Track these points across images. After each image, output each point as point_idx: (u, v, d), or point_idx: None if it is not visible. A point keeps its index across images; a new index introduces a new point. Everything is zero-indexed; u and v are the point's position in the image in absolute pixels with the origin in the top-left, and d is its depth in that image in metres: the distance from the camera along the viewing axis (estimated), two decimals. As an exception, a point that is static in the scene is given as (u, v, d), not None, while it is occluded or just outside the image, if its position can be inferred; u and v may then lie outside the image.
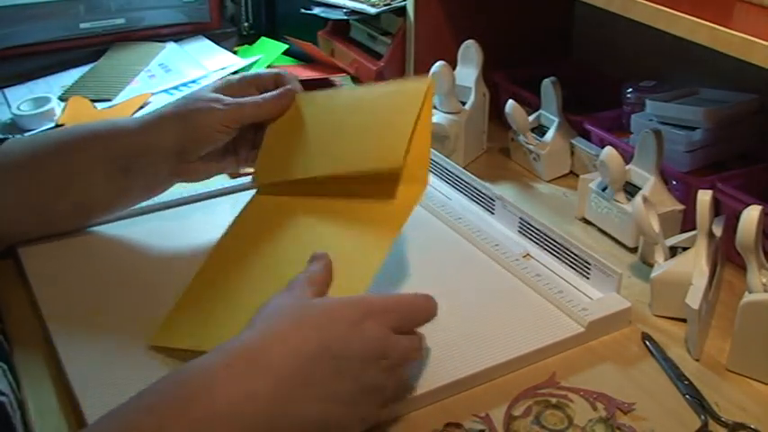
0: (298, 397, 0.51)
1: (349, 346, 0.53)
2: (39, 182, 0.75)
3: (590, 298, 0.74)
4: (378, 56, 1.13)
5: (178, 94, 1.10)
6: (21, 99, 1.10)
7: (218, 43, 1.27)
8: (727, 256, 0.81)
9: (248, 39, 1.34)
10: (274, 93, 0.77)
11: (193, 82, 1.13)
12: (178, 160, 0.76)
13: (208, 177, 0.81)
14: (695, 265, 0.72)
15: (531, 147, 0.98)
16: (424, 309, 0.59)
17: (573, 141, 0.99)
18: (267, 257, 0.71)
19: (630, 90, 0.99)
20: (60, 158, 0.76)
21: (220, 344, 0.53)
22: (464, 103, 1.00)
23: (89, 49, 1.23)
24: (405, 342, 0.57)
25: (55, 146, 0.77)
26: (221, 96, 0.76)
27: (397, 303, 0.58)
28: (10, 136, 1.01)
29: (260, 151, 0.78)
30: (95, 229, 0.81)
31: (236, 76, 0.80)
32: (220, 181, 0.89)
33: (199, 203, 0.88)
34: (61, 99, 1.11)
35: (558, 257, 0.80)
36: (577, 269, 0.77)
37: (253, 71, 0.81)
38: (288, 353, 0.51)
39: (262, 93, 0.79)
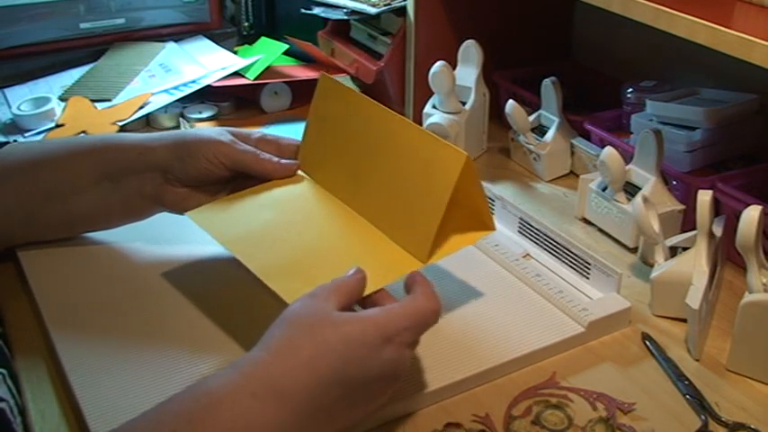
0: (312, 422, 0.52)
1: (367, 373, 0.54)
2: (28, 187, 0.76)
3: (590, 298, 0.74)
4: (378, 56, 1.13)
5: (178, 94, 1.10)
6: (21, 99, 1.10)
7: (218, 43, 1.27)
8: (727, 256, 0.81)
9: (248, 39, 1.34)
10: (281, 159, 0.77)
11: (193, 82, 1.13)
12: (163, 178, 0.75)
13: (188, 211, 0.75)
14: (695, 265, 0.72)
15: (531, 147, 0.98)
16: (433, 314, 0.58)
17: (573, 141, 0.99)
18: (310, 213, 0.73)
19: (630, 90, 0.99)
20: (51, 165, 0.76)
21: (242, 361, 0.53)
22: (464, 103, 1.00)
23: (89, 49, 1.23)
24: (411, 353, 0.58)
25: (49, 153, 0.77)
26: (233, 137, 0.76)
27: (413, 318, 0.57)
28: (11, 140, 1.02)
29: (305, 132, 0.78)
30: (96, 232, 0.81)
31: (257, 131, 0.79)
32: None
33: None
34: (61, 99, 1.11)
35: (558, 257, 0.80)
36: (577, 269, 0.77)
37: (273, 133, 0.80)
38: (311, 382, 0.52)
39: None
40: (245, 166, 0.75)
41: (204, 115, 1.12)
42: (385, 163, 0.71)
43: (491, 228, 0.69)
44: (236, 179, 0.77)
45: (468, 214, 0.69)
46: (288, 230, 0.71)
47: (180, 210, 0.77)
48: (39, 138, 1.03)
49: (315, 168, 0.78)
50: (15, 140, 1.01)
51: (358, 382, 0.53)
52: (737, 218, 0.67)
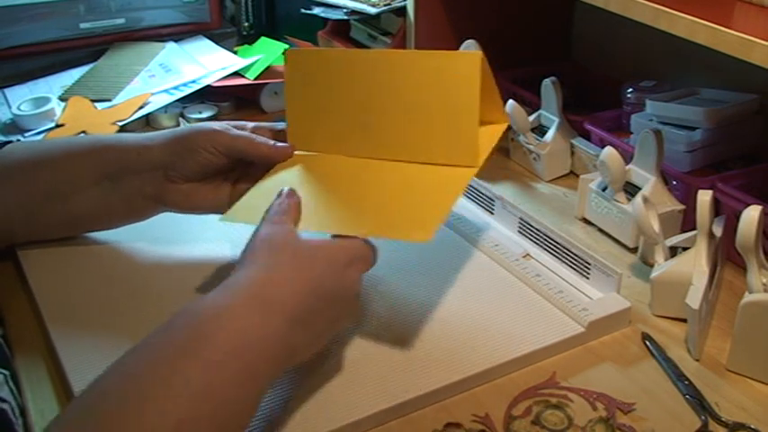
0: (300, 329, 0.57)
1: (338, 288, 0.60)
2: (29, 187, 0.76)
3: (590, 298, 0.74)
4: (378, 56, 1.13)
5: (178, 94, 1.10)
6: (21, 99, 1.10)
7: (218, 43, 1.27)
8: (727, 256, 0.81)
9: (248, 39, 1.34)
10: (275, 142, 0.77)
11: (193, 82, 1.13)
12: (164, 177, 0.75)
13: (194, 208, 0.77)
14: (695, 265, 0.72)
15: (531, 147, 0.98)
16: (374, 252, 0.65)
17: (573, 141, 0.99)
18: (339, 177, 0.74)
19: (630, 90, 0.99)
20: (52, 165, 0.77)
21: (232, 281, 0.57)
22: (464, 103, 1.00)
23: (89, 49, 1.23)
24: (361, 282, 0.65)
25: (49, 153, 0.78)
26: (227, 124, 0.76)
27: (367, 253, 0.63)
28: (13, 139, 1.02)
29: (287, 112, 0.77)
30: (96, 232, 0.81)
31: (252, 123, 0.79)
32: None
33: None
34: (61, 99, 1.11)
35: (558, 257, 0.80)
36: (577, 269, 0.77)
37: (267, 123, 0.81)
38: (295, 291, 0.57)
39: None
40: (242, 150, 0.75)
41: (204, 115, 1.12)
42: (396, 97, 0.71)
43: (506, 117, 0.75)
44: (236, 170, 0.77)
45: (489, 109, 0.71)
46: (329, 195, 0.71)
47: (181, 208, 0.77)
48: (39, 138, 1.03)
49: (312, 143, 0.77)
50: (18, 140, 1.01)
51: (330, 295, 0.59)
52: (737, 218, 0.67)
